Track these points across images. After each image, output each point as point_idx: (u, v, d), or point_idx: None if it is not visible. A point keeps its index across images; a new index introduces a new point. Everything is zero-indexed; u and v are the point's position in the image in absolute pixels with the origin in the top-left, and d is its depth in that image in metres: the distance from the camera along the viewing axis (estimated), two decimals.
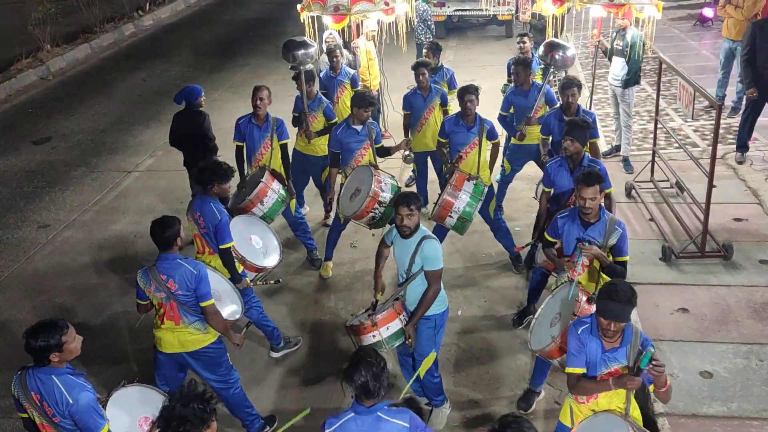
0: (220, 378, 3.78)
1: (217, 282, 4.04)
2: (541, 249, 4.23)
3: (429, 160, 6.05)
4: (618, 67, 6.48)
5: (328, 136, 5.48)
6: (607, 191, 4.24)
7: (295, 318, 5.15)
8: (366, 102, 5.06)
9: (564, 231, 3.84)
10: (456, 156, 5.08)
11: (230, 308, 4.01)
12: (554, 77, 6.70)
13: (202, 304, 3.56)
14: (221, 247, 4.15)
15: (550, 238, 3.97)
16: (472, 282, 5.46)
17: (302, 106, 5.67)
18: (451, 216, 4.89)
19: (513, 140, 5.83)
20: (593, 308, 3.41)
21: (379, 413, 2.61)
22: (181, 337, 3.64)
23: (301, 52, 5.46)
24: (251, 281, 4.42)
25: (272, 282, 4.73)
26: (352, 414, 2.62)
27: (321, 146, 5.75)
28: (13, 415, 3.96)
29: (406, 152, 5.95)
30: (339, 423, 2.61)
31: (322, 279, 5.56)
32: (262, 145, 5.19)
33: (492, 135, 5.12)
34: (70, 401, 2.77)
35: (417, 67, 5.80)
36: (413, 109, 5.88)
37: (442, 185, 5.48)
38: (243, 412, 3.89)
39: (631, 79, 6.43)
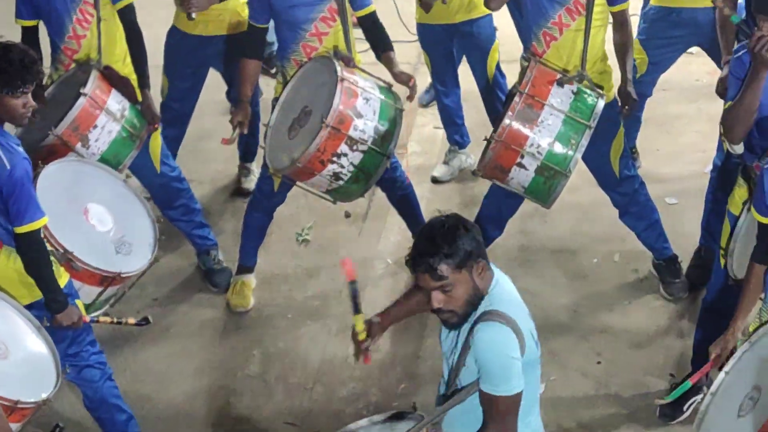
0: None
1: (1, 320, 4.18)
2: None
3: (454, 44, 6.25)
4: None
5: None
6: None
7: (168, 399, 5.25)
8: None
9: None
10: (535, 34, 5.14)
11: (28, 376, 4.12)
12: None
13: None
14: (20, 230, 4.24)
15: (759, 217, 4.14)
16: (569, 320, 5.57)
17: None
18: (522, 165, 5.00)
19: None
20: None
21: None
22: None
23: None
24: (91, 313, 4.64)
25: (131, 322, 4.83)
26: None
27: (226, 15, 5.97)
28: None
29: None
30: None
31: (231, 313, 5.73)
32: (75, 18, 5.34)
33: None
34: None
35: None
36: None
37: (496, 103, 5.67)
38: None
39: None
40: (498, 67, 6.22)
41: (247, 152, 6.52)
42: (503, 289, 3.57)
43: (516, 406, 3.50)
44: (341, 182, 5.04)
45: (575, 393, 5.10)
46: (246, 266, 5.74)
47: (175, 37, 6.09)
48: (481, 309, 3.51)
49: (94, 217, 4.84)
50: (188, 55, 6.04)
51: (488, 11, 5.82)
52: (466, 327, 3.55)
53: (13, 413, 3.91)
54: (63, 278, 4.42)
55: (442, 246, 3.38)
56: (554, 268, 5.90)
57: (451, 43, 6.28)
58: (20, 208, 4.18)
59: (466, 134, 6.58)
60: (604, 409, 5.01)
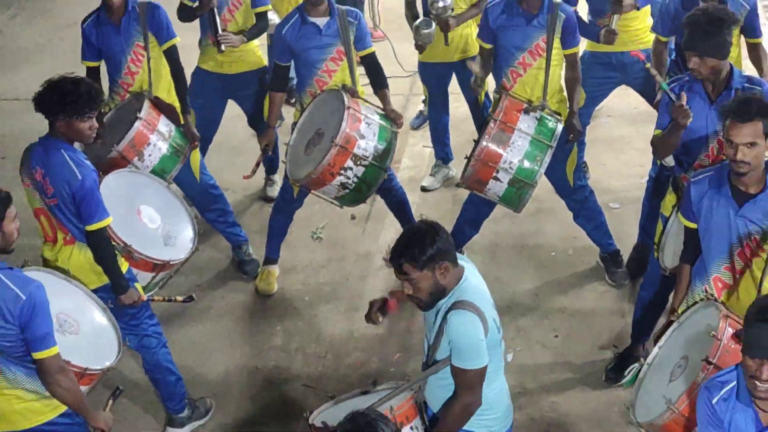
0: None
1: (73, 301, 4.56)
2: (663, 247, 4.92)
3: (451, 78, 6.78)
4: None
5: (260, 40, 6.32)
6: None
7: (208, 367, 5.76)
8: None
9: (703, 208, 4.28)
10: (505, 72, 5.66)
11: (95, 348, 4.51)
12: None
13: (38, 355, 3.84)
14: (90, 227, 4.63)
15: (686, 222, 4.47)
16: (532, 302, 6.10)
17: None
18: (497, 178, 5.49)
19: (588, 45, 6.24)
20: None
21: None
22: (2, 405, 3.94)
23: None
24: (147, 293, 5.03)
25: (179, 300, 5.27)
26: None
27: (247, 56, 6.55)
28: None
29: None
30: None
31: (259, 296, 6.31)
32: (130, 58, 5.91)
33: (569, 36, 5.62)
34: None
35: None
36: None
37: (481, 125, 6.05)
38: None
39: None
40: (487, 95, 6.61)
41: (271, 166, 6.98)
42: (470, 283, 3.87)
43: (482, 377, 3.82)
44: (347, 191, 5.57)
45: (537, 361, 5.65)
46: (271, 258, 6.27)
47: (200, 76, 6.55)
48: (453, 299, 3.82)
49: (146, 216, 5.33)
50: (214, 92, 6.53)
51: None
52: (441, 314, 3.85)
53: (83, 378, 4.26)
54: (124, 266, 4.86)
55: (410, 249, 3.73)
56: (520, 260, 6.44)
57: (448, 78, 6.78)
58: (90, 210, 4.59)
59: (451, 152, 7.18)
60: (561, 374, 5.57)
